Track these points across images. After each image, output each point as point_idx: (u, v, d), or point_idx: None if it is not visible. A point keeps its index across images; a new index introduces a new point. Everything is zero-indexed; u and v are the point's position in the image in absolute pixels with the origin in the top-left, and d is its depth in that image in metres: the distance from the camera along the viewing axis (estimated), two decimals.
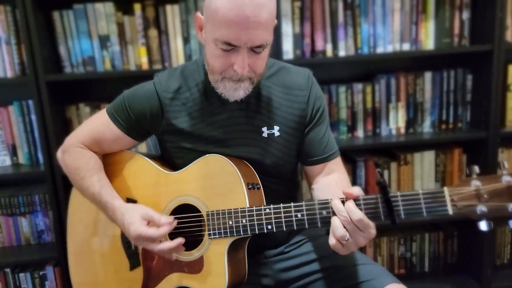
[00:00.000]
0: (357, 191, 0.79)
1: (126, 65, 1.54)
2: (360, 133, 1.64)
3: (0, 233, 1.61)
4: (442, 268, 1.80)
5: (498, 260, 1.78)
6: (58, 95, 1.52)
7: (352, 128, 1.64)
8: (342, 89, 1.60)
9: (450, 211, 0.73)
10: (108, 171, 1.02)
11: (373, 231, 0.77)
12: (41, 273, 1.61)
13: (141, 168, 1.00)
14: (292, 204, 0.84)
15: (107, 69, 1.53)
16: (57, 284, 1.63)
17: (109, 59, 1.53)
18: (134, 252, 0.98)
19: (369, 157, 1.67)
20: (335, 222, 0.78)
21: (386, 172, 1.67)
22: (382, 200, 0.76)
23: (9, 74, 1.51)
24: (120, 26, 1.51)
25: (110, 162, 1.03)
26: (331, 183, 0.97)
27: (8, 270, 1.60)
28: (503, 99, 1.63)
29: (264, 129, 0.96)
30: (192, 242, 0.92)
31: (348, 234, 0.76)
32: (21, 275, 1.61)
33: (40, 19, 1.45)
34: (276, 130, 0.96)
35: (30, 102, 1.54)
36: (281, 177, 1.01)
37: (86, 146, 1.01)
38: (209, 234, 0.89)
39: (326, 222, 0.81)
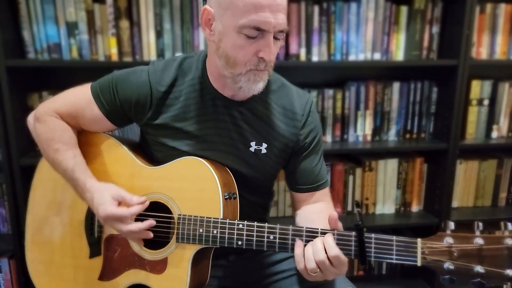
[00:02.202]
0: (339, 225, 0.79)
1: (94, 55, 1.49)
2: (328, 138, 1.67)
3: None
4: (398, 272, 1.88)
5: None
6: (19, 82, 1.45)
7: None
8: (314, 93, 1.62)
9: (419, 262, 0.74)
10: (82, 151, 0.97)
11: (345, 269, 0.77)
12: None
13: (117, 156, 0.97)
14: (266, 225, 0.83)
15: (73, 58, 1.48)
16: (12, 277, 1.57)
17: (77, 48, 1.47)
18: (96, 241, 0.96)
19: (335, 162, 1.70)
20: (309, 253, 0.77)
21: (351, 178, 1.71)
22: (355, 239, 0.77)
23: None
24: (90, 14, 1.46)
25: (86, 143, 0.98)
26: (315, 211, 0.97)
27: None
28: (464, 113, 1.70)
29: (253, 144, 0.94)
30: (158, 241, 0.91)
31: (319, 269, 0.76)
32: None
33: (3, 0, 1.37)
34: (263, 148, 0.94)
35: None
36: (258, 189, 1.01)
37: (61, 117, 0.95)
38: (177, 238, 0.88)
39: None
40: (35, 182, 1.04)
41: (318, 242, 0.77)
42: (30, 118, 0.99)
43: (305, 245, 0.79)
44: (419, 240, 0.74)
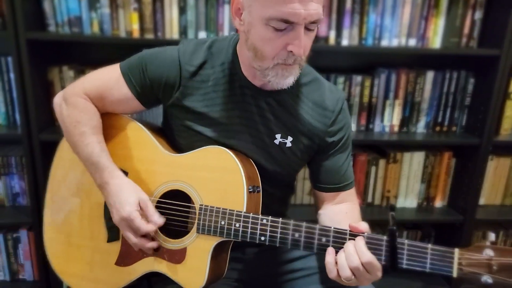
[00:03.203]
0: (363, 227, 0.76)
1: (115, 30, 1.44)
2: (352, 127, 1.60)
3: None
4: None
5: None
6: (40, 55, 1.42)
7: None
8: (341, 79, 1.54)
9: (455, 273, 0.70)
10: (104, 134, 0.95)
11: (379, 274, 0.74)
12: (14, 235, 1.59)
13: (140, 140, 0.95)
14: (291, 221, 0.80)
15: (94, 32, 1.43)
16: (30, 248, 1.61)
17: (98, 22, 1.42)
18: (115, 225, 0.94)
19: (359, 152, 1.64)
20: (342, 261, 0.74)
21: (373, 169, 1.65)
22: (387, 244, 0.73)
23: None
24: None
25: (109, 125, 0.96)
26: (340, 211, 0.93)
27: None
28: (502, 107, 1.59)
29: (278, 136, 0.90)
30: (177, 230, 0.89)
31: (353, 276, 0.73)
32: None
33: None
34: (288, 141, 0.91)
35: (10, 58, 1.44)
36: (280, 183, 0.97)
37: (89, 99, 0.93)
38: (198, 229, 0.86)
39: (323, 249, 0.77)
40: (56, 161, 1.03)
41: (350, 246, 0.74)
42: (57, 99, 0.96)
43: (336, 251, 0.76)
44: (456, 250, 0.71)
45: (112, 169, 0.90)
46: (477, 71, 1.57)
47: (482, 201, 1.71)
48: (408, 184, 1.68)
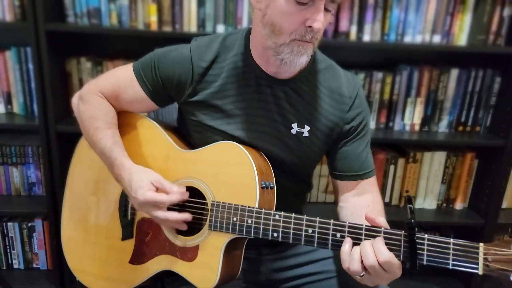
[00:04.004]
0: (381, 221, 0.73)
1: (133, 22, 1.43)
2: (372, 124, 1.56)
3: None
4: (431, 268, 1.78)
5: None
6: (58, 46, 1.42)
7: None
8: (361, 76, 1.50)
9: (480, 270, 0.66)
10: (119, 132, 0.95)
11: (398, 272, 0.70)
12: (29, 224, 1.60)
13: (154, 138, 0.94)
14: (304, 217, 0.78)
15: (113, 24, 1.42)
16: (45, 237, 1.62)
17: (116, 14, 1.41)
18: (129, 223, 0.94)
19: (377, 150, 1.60)
20: (355, 254, 0.71)
21: (392, 168, 1.60)
22: (406, 239, 0.69)
23: (8, 17, 1.39)
24: None
25: (122, 123, 0.96)
26: (362, 205, 0.90)
27: None
28: None
29: (295, 125, 0.88)
30: (190, 227, 0.88)
31: (365, 272, 0.71)
32: (9, 224, 1.59)
33: None
34: (306, 130, 0.89)
35: (29, 49, 1.44)
36: (296, 177, 0.95)
37: (104, 97, 0.94)
38: (210, 225, 0.84)
39: (338, 245, 0.75)
40: (74, 159, 1.03)
41: (367, 245, 0.71)
42: (75, 99, 0.98)
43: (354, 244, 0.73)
44: (481, 244, 0.67)
45: (122, 160, 0.89)
46: (504, 70, 1.51)
47: (504, 204, 1.66)
48: (428, 184, 1.63)
